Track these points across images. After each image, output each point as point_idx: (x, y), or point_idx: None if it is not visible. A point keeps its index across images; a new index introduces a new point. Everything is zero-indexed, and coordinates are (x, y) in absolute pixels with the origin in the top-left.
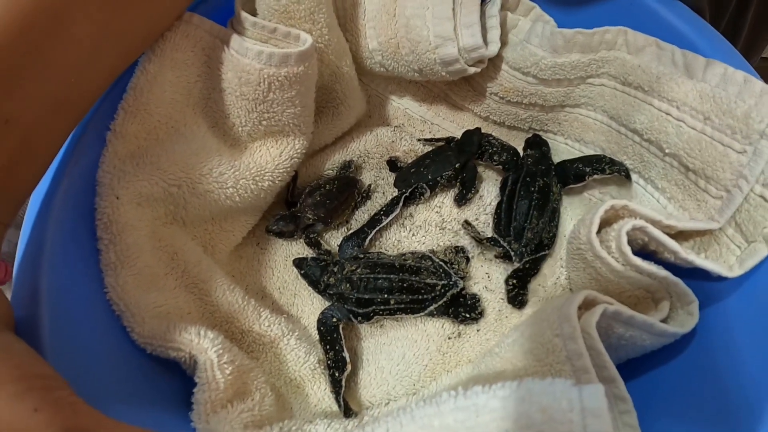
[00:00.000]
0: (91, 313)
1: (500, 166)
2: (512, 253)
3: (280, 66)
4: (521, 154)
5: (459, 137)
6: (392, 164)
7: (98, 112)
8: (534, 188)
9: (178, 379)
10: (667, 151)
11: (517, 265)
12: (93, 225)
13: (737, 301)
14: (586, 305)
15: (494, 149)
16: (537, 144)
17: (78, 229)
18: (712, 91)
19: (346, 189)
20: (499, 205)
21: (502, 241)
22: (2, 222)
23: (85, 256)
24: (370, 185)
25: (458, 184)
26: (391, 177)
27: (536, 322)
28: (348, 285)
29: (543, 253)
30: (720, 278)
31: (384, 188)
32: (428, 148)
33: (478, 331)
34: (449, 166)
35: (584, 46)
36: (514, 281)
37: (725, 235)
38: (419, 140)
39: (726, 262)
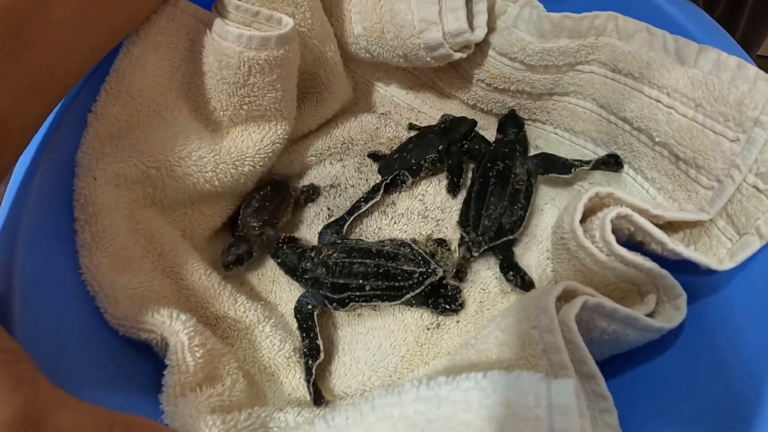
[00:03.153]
0: (65, 293)
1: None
2: (470, 244)
3: (260, 49)
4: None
5: (448, 121)
6: (375, 156)
7: (80, 94)
8: (492, 173)
9: (150, 363)
10: (657, 139)
11: (476, 254)
12: (71, 206)
13: (727, 295)
14: (567, 297)
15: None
16: (509, 125)
17: (55, 210)
18: (704, 77)
19: (280, 188)
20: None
21: (463, 233)
22: None
23: (62, 236)
24: (312, 184)
25: (446, 173)
26: (374, 164)
27: (513, 314)
28: (324, 269)
29: (505, 238)
30: (710, 272)
31: (367, 175)
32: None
33: (457, 322)
34: (432, 149)
35: (572, 31)
36: (512, 272)
37: (716, 227)
38: (410, 125)
39: (716, 254)
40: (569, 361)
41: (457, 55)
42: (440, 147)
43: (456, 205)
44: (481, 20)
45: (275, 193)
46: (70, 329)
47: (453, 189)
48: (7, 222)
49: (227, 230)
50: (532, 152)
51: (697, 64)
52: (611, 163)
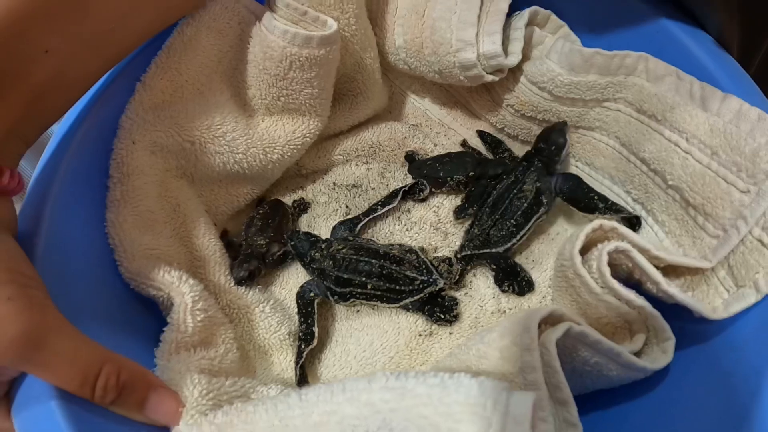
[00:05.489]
0: (87, 240)
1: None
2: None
3: (302, 47)
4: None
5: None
6: (410, 157)
7: (132, 64)
8: (501, 185)
9: (154, 319)
10: (670, 183)
11: (458, 256)
12: (107, 163)
13: (718, 345)
14: (555, 322)
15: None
16: (545, 138)
17: (93, 164)
18: (724, 126)
19: (277, 206)
20: None
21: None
22: (26, 141)
23: (94, 189)
24: (302, 198)
25: (463, 196)
26: (398, 171)
27: (498, 329)
28: (331, 262)
29: (488, 250)
30: (703, 320)
31: (389, 180)
32: (440, 150)
33: (450, 334)
34: (463, 171)
35: (602, 67)
36: (506, 283)
37: (716, 276)
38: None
39: (711, 303)
40: (544, 382)
41: (489, 78)
42: (471, 173)
43: (467, 220)
44: (516, 47)
45: (274, 211)
46: (85, 273)
47: (460, 212)
48: (47, 164)
49: (252, 210)
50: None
51: (719, 112)
52: (633, 223)
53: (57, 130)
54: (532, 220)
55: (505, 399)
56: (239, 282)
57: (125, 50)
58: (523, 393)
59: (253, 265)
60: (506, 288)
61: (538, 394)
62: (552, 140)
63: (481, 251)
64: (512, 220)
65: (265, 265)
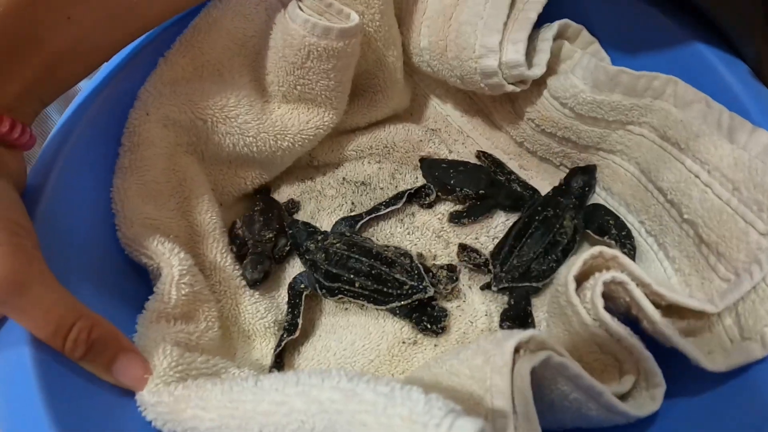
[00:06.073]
0: (92, 203)
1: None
2: (492, 277)
3: (321, 37)
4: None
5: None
6: (422, 160)
7: (159, 40)
8: (538, 217)
9: (146, 288)
10: (685, 216)
11: (494, 290)
12: (121, 132)
13: (714, 399)
14: (536, 350)
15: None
16: (578, 177)
17: (108, 131)
18: (749, 160)
19: (271, 201)
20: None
21: (490, 265)
22: (43, 101)
23: (105, 155)
24: (291, 199)
25: (465, 206)
26: (409, 174)
27: (473, 347)
28: (323, 255)
29: (527, 284)
30: (702, 370)
31: (399, 182)
32: (454, 157)
33: (435, 346)
34: (474, 187)
35: (628, 87)
36: (508, 323)
37: (722, 323)
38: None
39: (712, 353)
40: (512, 410)
41: (510, 88)
42: (480, 191)
43: (472, 233)
44: (541, 58)
45: (270, 206)
46: (85, 233)
47: (456, 218)
48: (64, 125)
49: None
50: None
51: (746, 145)
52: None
53: (85, 87)
54: (568, 257)
55: (450, 422)
56: (253, 284)
57: (147, 25)
58: (470, 419)
59: (266, 266)
60: (505, 328)
61: (500, 423)
62: (587, 181)
63: (519, 284)
64: (553, 255)
65: (275, 261)
